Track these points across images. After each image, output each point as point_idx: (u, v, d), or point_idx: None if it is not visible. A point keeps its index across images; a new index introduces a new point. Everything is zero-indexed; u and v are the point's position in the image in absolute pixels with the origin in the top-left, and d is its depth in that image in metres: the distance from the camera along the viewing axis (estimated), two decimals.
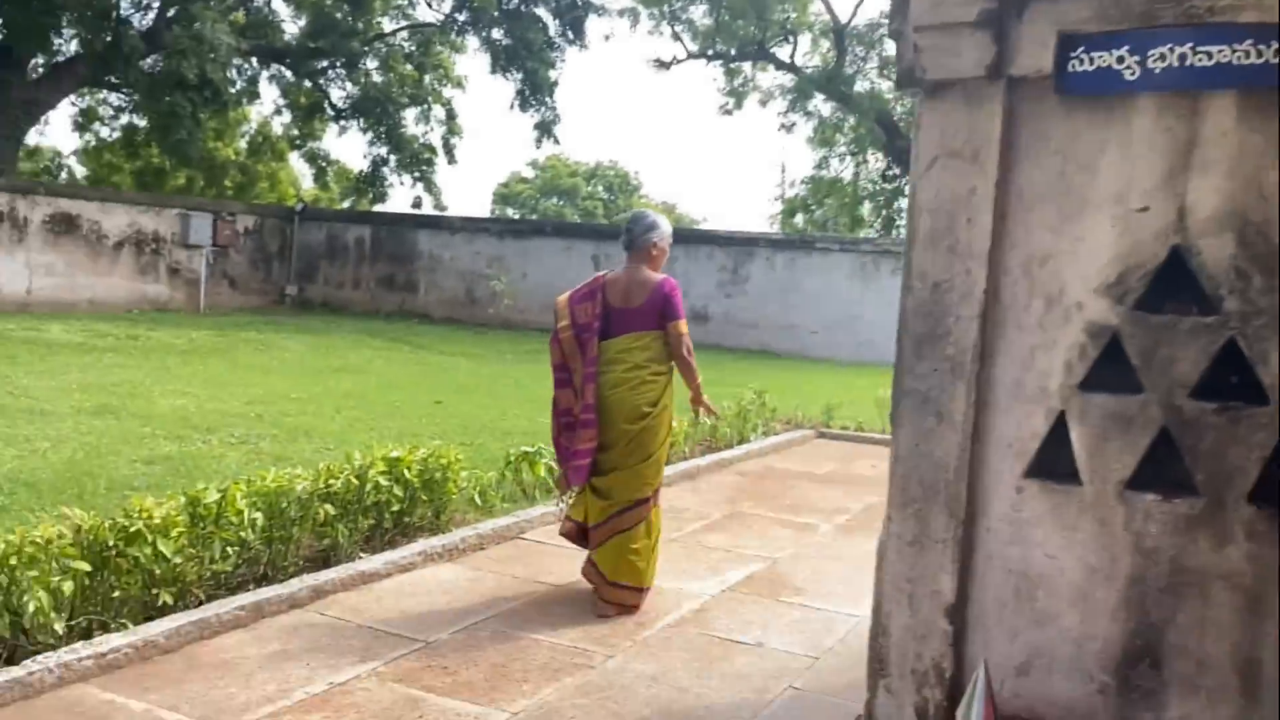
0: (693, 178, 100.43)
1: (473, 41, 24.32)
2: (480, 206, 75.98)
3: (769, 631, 4.51)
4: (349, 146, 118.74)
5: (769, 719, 3.69)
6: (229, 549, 4.33)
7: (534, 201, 64.92)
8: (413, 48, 24.96)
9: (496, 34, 22.78)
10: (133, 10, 20.76)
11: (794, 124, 29.27)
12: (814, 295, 18.90)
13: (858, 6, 25.59)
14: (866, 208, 32.00)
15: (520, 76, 22.80)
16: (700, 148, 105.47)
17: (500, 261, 20.77)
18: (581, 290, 4.80)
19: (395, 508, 5.24)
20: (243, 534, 4.39)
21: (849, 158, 31.85)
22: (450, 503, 5.66)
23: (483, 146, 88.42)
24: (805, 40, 29.40)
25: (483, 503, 5.95)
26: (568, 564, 5.31)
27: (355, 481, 4.99)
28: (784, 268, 19.20)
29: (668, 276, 4.73)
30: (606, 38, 55.51)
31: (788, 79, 29.78)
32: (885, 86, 29.19)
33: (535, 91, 22.80)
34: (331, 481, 4.89)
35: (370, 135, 25.02)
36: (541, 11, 22.66)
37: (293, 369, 11.99)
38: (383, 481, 5.11)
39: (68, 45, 22.01)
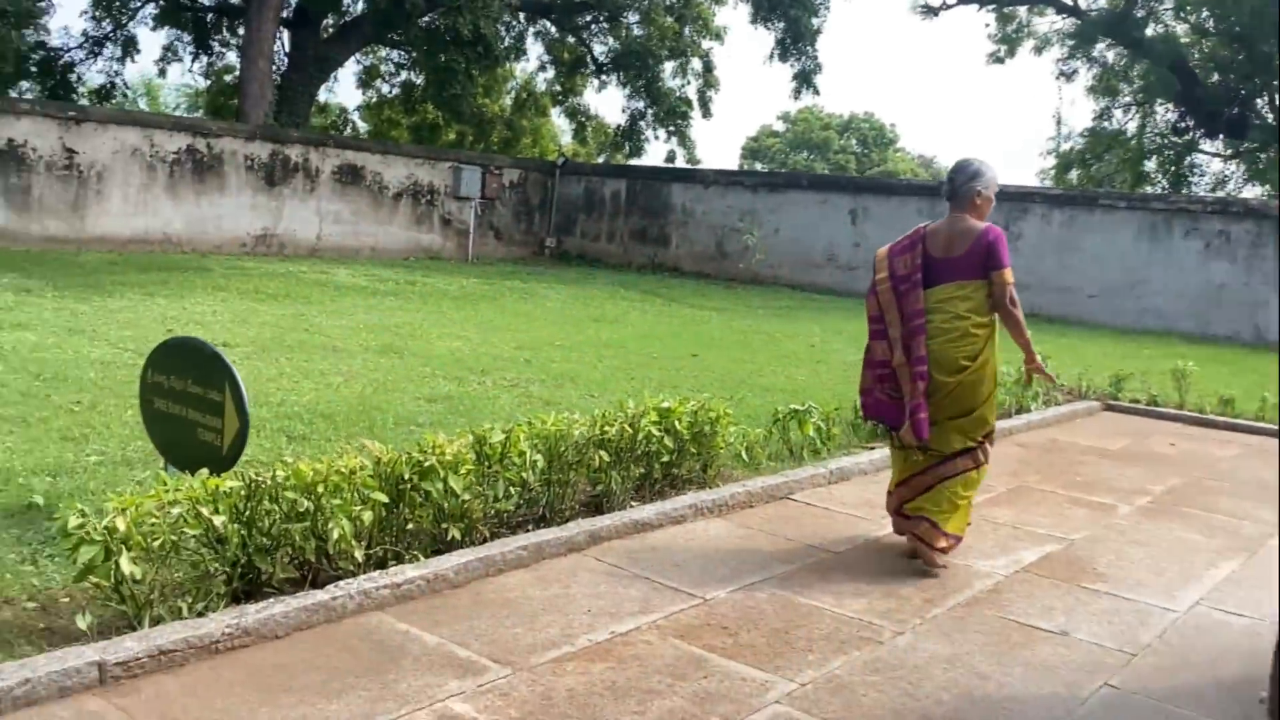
0: (953, 130, 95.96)
1: None
2: (729, 161, 75.76)
3: (1074, 619, 4.07)
4: (606, 101, 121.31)
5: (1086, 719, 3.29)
6: (511, 489, 4.35)
7: (783, 156, 63.92)
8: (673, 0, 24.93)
9: None
10: None
11: (1074, 71, 27.10)
12: (1094, 256, 17.47)
13: None
14: (1152, 164, 29.25)
15: (782, 25, 22.28)
16: (963, 99, 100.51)
17: (752, 215, 20.49)
18: (902, 242, 4.62)
19: (665, 458, 5.14)
20: (524, 475, 4.41)
21: (1134, 109, 29.17)
22: (717, 457, 5.51)
23: (732, 100, 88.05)
24: None
25: (749, 460, 5.77)
26: (842, 528, 5.05)
27: (629, 430, 4.91)
28: (1061, 225, 17.83)
29: (991, 224, 4.47)
30: None
31: (1067, 24, 27.63)
32: (1181, 30, 26.48)
33: (797, 40, 22.23)
34: (606, 428, 4.83)
35: (629, 89, 25.26)
36: None
37: (555, 317, 12.28)
38: (655, 431, 5.02)
39: (355, 6, 23.52)
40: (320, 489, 3.62)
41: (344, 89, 68.05)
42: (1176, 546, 5.19)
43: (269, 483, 3.58)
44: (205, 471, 3.57)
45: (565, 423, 4.68)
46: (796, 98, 23.68)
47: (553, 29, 26.43)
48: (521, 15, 25.07)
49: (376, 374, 7.70)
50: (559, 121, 32.18)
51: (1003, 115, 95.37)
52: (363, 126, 31.96)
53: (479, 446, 4.29)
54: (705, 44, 26.19)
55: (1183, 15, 26.17)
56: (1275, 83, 20.73)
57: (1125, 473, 6.75)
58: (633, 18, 25.01)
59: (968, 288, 4.42)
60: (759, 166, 57.48)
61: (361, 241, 19.18)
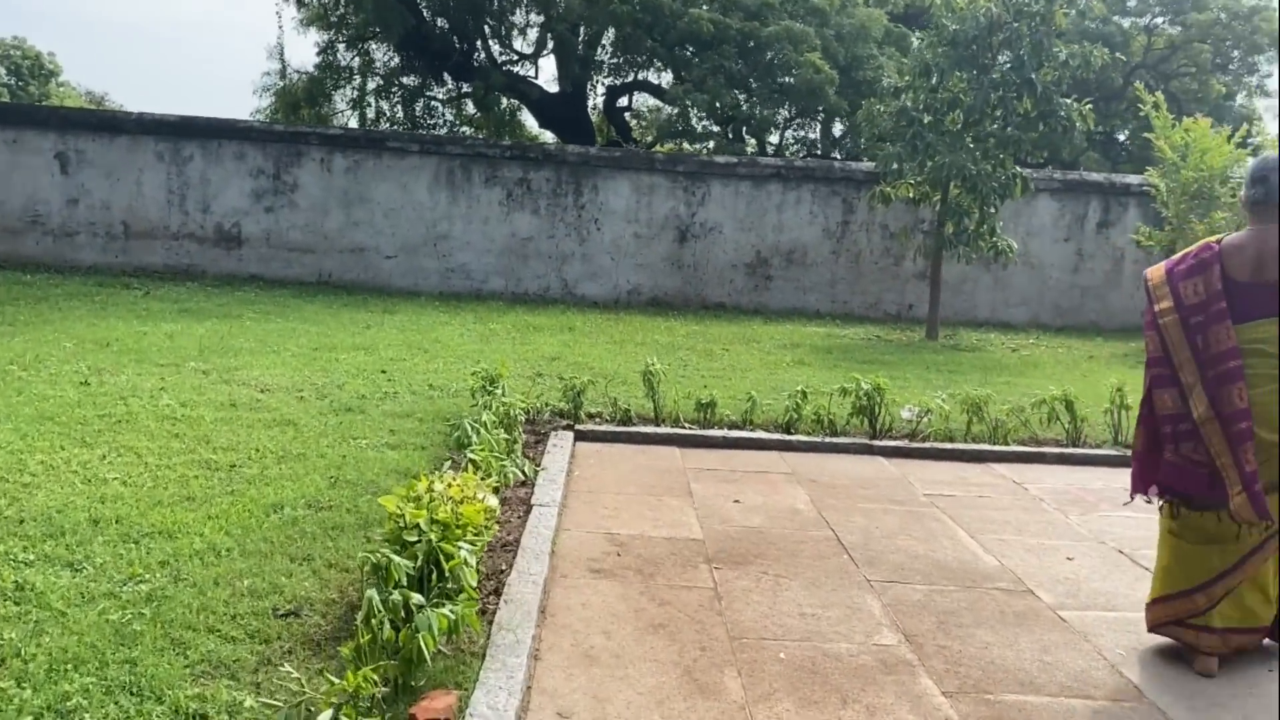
0: (134, 63, 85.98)
1: None
2: None
3: None
4: None
5: None
6: None
7: None
8: None
9: None
10: None
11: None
12: (388, 210, 14.75)
13: None
14: (384, 105, 27.56)
15: None
16: (147, 33, 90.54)
17: None
18: (1186, 262, 3.31)
19: None
20: None
21: (359, 45, 27.05)
22: None
23: None
24: None
25: None
26: None
27: None
28: (345, 174, 14.72)
29: None
30: None
31: None
32: None
33: None
34: None
35: None
36: None
37: None
38: None
39: None
40: None
41: None
42: None
43: None
44: None
45: None
46: None
47: None
48: None
49: None
50: None
51: (209, 48, 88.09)
52: None
53: None
54: None
55: None
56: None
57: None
58: None
59: None
60: None
61: None
